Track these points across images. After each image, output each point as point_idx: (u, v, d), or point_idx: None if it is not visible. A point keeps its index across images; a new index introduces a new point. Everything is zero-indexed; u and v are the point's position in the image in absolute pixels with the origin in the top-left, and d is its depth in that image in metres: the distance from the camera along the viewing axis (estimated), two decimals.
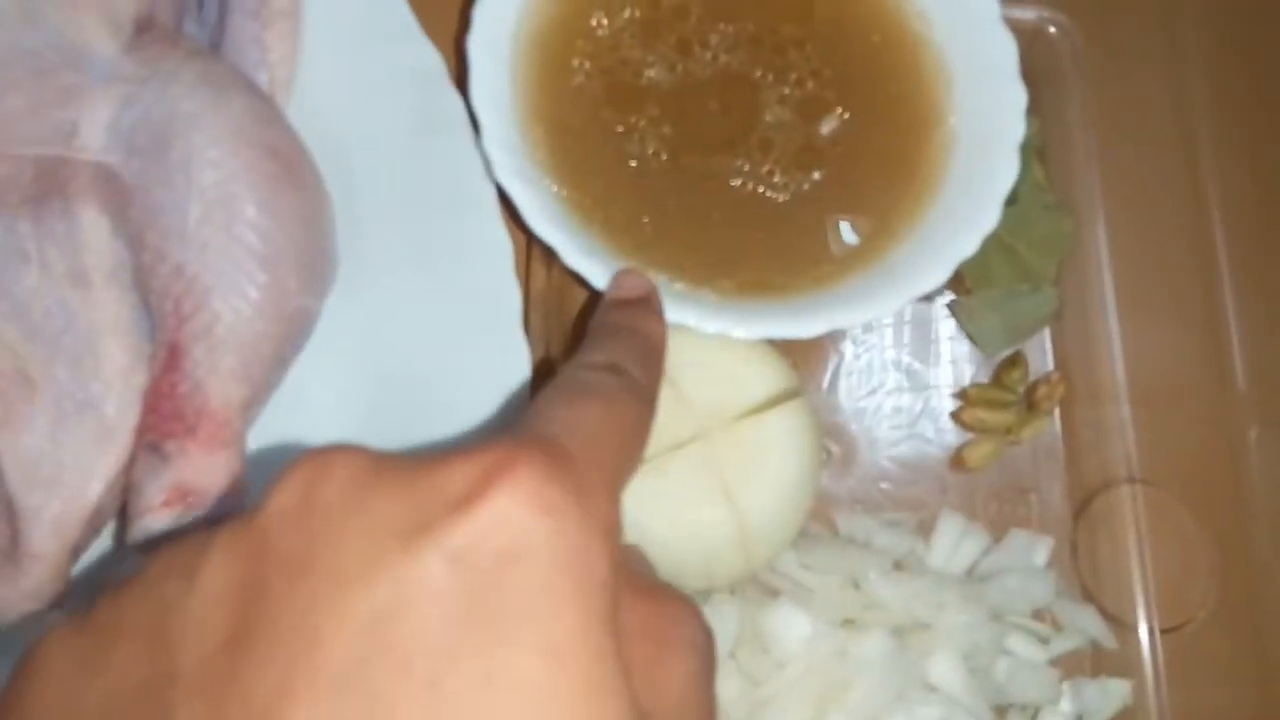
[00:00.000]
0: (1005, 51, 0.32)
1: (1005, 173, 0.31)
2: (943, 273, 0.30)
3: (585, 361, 0.24)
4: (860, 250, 0.31)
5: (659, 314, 0.29)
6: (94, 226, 0.27)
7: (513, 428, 0.20)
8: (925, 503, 0.36)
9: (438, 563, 0.17)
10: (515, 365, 0.32)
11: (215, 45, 0.33)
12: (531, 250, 0.33)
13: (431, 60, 0.35)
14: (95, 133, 0.27)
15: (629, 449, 0.22)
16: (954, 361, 0.37)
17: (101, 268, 0.27)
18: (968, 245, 0.30)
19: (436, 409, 0.32)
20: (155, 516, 0.25)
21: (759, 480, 0.30)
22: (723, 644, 0.31)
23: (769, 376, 0.31)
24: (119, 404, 0.27)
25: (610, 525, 0.19)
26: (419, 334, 0.33)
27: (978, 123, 0.32)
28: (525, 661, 0.16)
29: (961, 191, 0.31)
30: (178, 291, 0.26)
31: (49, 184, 0.26)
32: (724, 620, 0.31)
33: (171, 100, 0.27)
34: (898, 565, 0.34)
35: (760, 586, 0.33)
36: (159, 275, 0.27)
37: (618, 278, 0.30)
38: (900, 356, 0.37)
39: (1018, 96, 0.32)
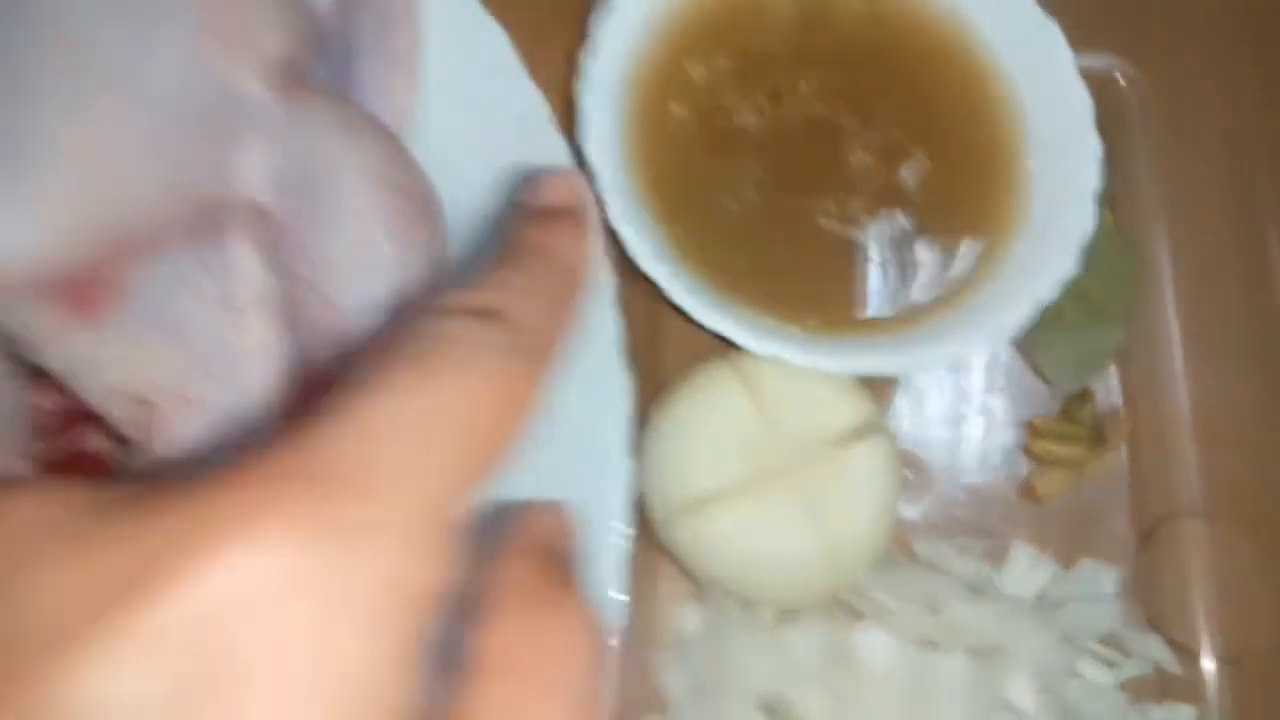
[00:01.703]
0: (1081, 103, 0.34)
1: (1083, 221, 0.32)
2: (1022, 316, 0.32)
3: (454, 303, 0.19)
4: (942, 291, 0.33)
5: (586, 233, 0.23)
6: (245, 258, 0.29)
7: (294, 430, 0.16)
8: (996, 529, 0.37)
9: (151, 633, 0.13)
10: (616, 394, 0.34)
11: (341, 86, 0.36)
12: (630, 288, 0.35)
13: (536, 104, 0.38)
14: (250, 173, 0.29)
15: (486, 440, 0.17)
16: (1023, 394, 0.39)
17: (251, 296, 0.29)
18: (1047, 291, 0.32)
19: (540, 442, 0.34)
20: None
21: (848, 507, 0.32)
22: (810, 662, 0.33)
23: (855, 409, 0.33)
24: (262, 417, 0.29)
25: (394, 592, 0.15)
26: None
27: (1055, 171, 0.34)
28: None
29: (1040, 237, 0.33)
30: (327, 321, 0.29)
31: (206, 219, 0.29)
32: (812, 639, 0.33)
33: (319, 144, 0.29)
34: (971, 590, 0.35)
35: (844, 607, 0.34)
36: (310, 305, 0.29)
37: (539, 180, 0.24)
38: (970, 388, 0.39)
39: (1093, 147, 0.33)
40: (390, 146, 0.31)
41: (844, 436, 0.32)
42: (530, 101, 0.38)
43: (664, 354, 0.36)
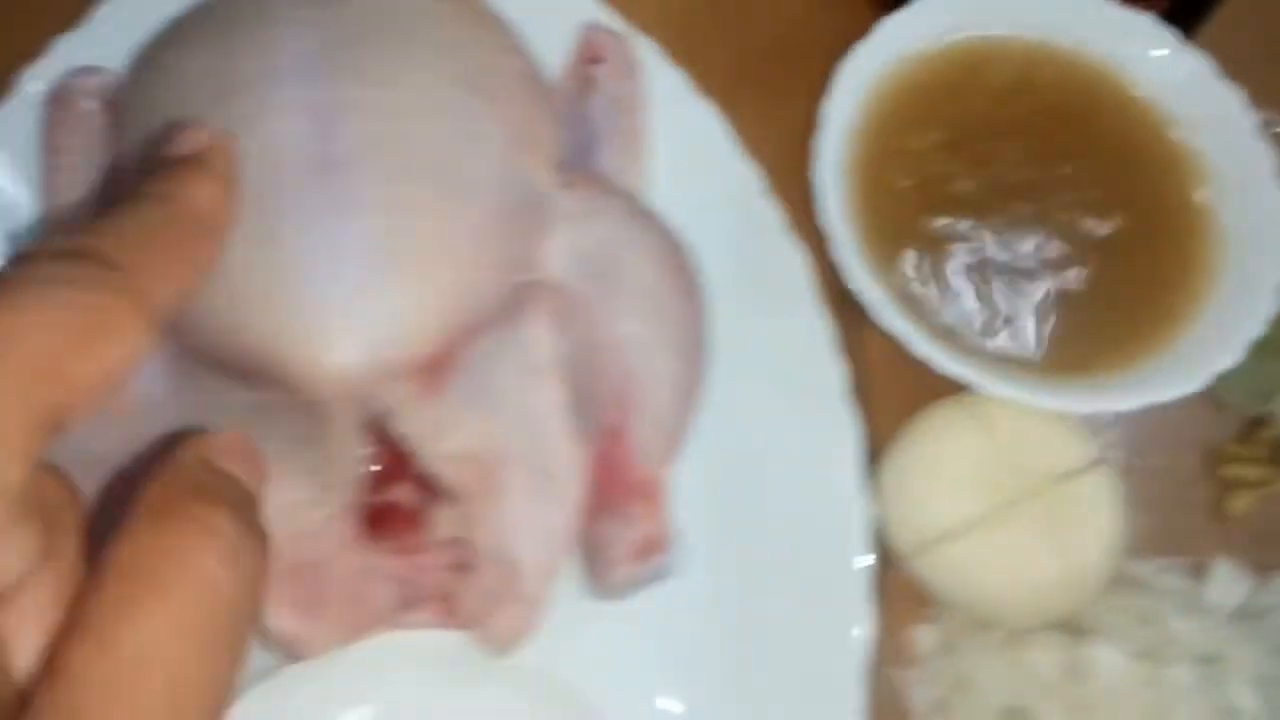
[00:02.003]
0: (1263, 159, 0.37)
1: (1276, 267, 0.36)
2: (1231, 356, 0.35)
3: (46, 249, 0.20)
4: (1152, 336, 0.37)
5: (211, 176, 0.23)
6: (539, 331, 0.33)
7: None
8: (1195, 546, 0.40)
9: None
10: (846, 435, 0.38)
11: (581, 164, 0.39)
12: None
13: (749, 177, 0.41)
14: (555, 259, 0.33)
15: (48, 362, 0.17)
16: (1202, 420, 0.42)
17: (545, 363, 0.33)
18: (1251, 329, 0.35)
19: (776, 482, 0.38)
20: (628, 569, 0.31)
21: (1082, 536, 0.35)
22: (1047, 677, 0.36)
23: (1080, 444, 0.36)
24: (566, 470, 0.33)
25: None
26: (753, 413, 0.38)
27: (1245, 222, 0.37)
28: None
29: (1238, 284, 0.36)
30: (624, 385, 0.33)
31: (517, 299, 0.33)
32: (1047, 655, 0.36)
33: (612, 231, 0.33)
34: (1182, 604, 0.38)
35: (1070, 625, 0.37)
36: (609, 372, 0.33)
37: (173, 130, 0.25)
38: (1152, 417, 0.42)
39: (1277, 197, 0.37)
40: (666, 229, 0.35)
41: (1072, 470, 0.36)
42: (743, 175, 0.42)
43: (880, 400, 0.39)
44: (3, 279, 0.18)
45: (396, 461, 0.34)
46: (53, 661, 0.17)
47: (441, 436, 0.31)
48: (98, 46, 0.39)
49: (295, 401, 0.29)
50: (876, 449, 0.38)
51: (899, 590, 0.38)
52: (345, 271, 0.28)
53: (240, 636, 0.18)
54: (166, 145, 0.24)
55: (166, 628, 0.17)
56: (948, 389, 0.40)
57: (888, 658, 0.37)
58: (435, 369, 0.31)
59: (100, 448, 0.31)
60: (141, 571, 0.17)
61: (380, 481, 0.35)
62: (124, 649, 0.17)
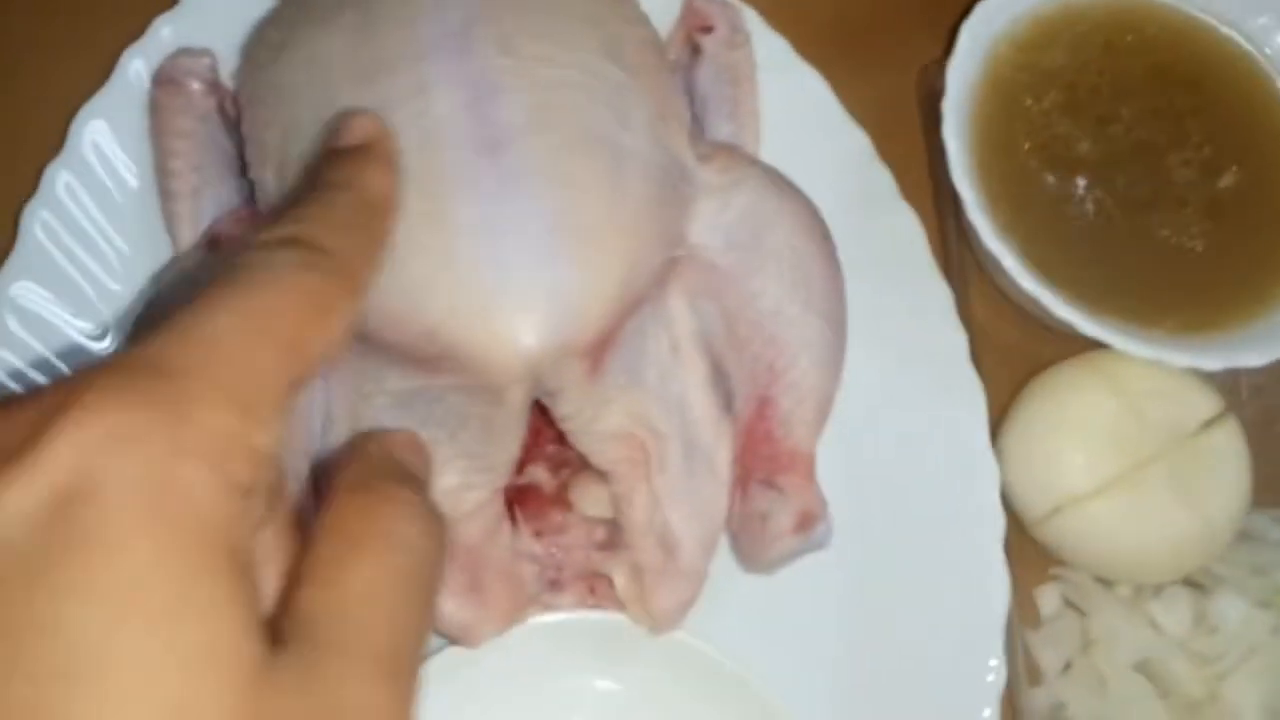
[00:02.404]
0: None
1: None
2: None
3: (262, 238, 0.21)
4: (1271, 292, 0.37)
5: (383, 162, 0.24)
6: (679, 306, 0.33)
7: (134, 342, 0.19)
8: None
9: (20, 484, 0.16)
10: (971, 401, 0.38)
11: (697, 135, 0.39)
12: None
13: (860, 140, 0.41)
14: (701, 231, 0.32)
15: (293, 333, 0.19)
16: None
17: (687, 337, 0.33)
18: None
19: (903, 454, 0.38)
20: (789, 541, 0.31)
21: (1215, 489, 0.35)
22: (1175, 630, 0.37)
23: (1207, 399, 0.36)
24: (714, 444, 0.33)
25: (223, 437, 0.17)
26: (877, 382, 0.37)
27: None
28: (85, 611, 0.15)
29: None
30: (770, 356, 0.32)
31: (661, 275, 0.32)
32: (1180, 610, 0.36)
33: (758, 202, 0.33)
34: None
35: (1187, 580, 0.38)
36: (755, 343, 0.32)
37: (342, 121, 0.25)
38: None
39: None
40: (803, 197, 0.35)
41: (1201, 425, 0.36)
42: (852, 140, 0.42)
43: (999, 363, 0.40)
44: (241, 264, 0.20)
45: (531, 443, 0.34)
46: (285, 604, 0.19)
47: (599, 416, 0.31)
48: (195, 27, 0.38)
49: (464, 384, 0.29)
50: (991, 415, 0.38)
51: (1021, 553, 0.39)
52: (520, 251, 0.28)
53: (431, 600, 0.20)
54: (336, 137, 0.25)
55: (382, 574, 0.19)
56: (1057, 353, 0.40)
57: (1014, 620, 0.38)
58: (601, 348, 0.30)
59: None
60: (352, 532, 0.20)
61: (521, 465, 0.35)
62: (350, 586, 0.19)
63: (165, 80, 0.36)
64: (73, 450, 0.16)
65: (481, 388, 0.29)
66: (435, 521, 0.20)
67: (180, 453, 0.16)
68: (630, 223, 0.30)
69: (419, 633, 0.19)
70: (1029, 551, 0.39)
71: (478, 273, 0.28)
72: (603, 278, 0.29)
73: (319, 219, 0.22)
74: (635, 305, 0.31)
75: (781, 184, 0.34)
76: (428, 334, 0.28)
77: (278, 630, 0.18)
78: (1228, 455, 0.36)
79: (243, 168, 0.33)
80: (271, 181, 0.31)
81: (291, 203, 0.22)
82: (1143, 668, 0.37)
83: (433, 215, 0.28)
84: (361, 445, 0.23)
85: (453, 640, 0.31)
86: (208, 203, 0.34)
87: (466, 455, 0.30)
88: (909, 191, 0.40)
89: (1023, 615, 0.38)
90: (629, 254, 0.30)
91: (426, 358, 0.29)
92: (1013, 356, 0.41)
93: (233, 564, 0.17)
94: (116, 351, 0.20)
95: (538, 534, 0.35)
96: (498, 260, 0.28)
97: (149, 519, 0.16)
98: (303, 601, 0.18)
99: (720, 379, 0.34)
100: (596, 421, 0.31)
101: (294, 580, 0.19)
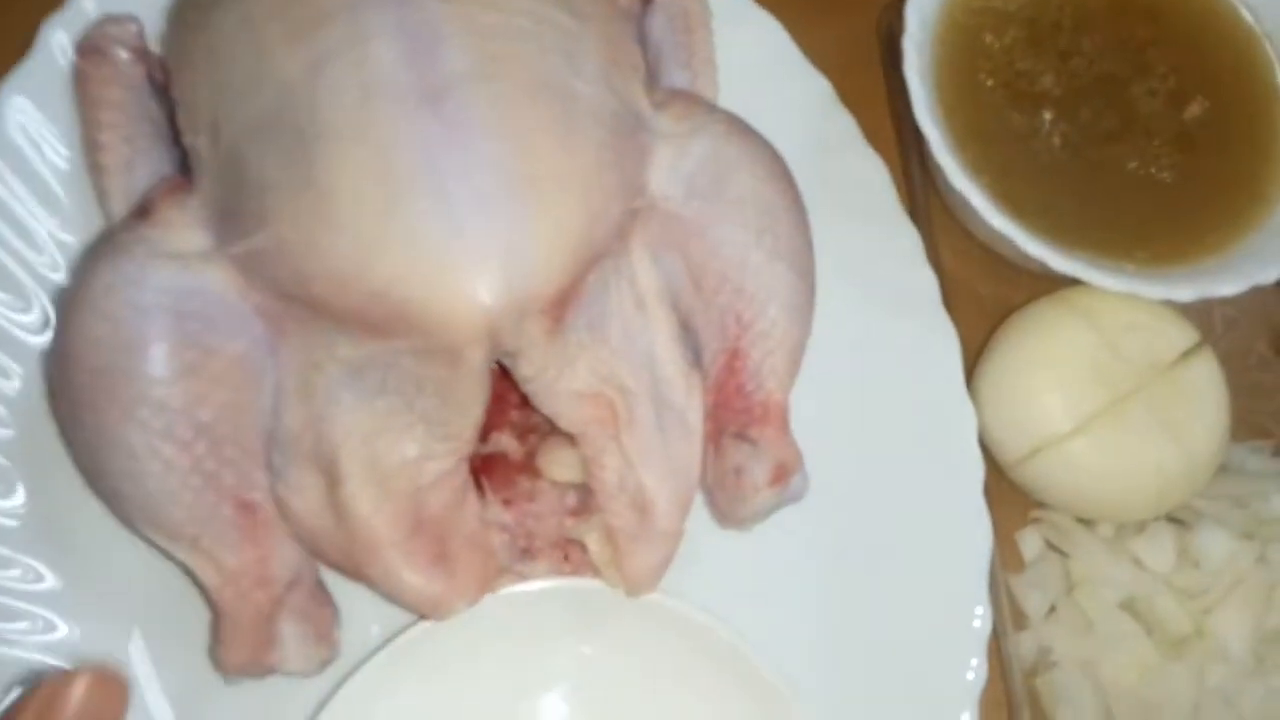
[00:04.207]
0: None
1: None
2: None
3: None
4: (1243, 220, 0.36)
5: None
6: (641, 259, 0.32)
7: None
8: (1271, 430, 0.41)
9: None
10: (943, 344, 0.37)
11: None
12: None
13: (821, 86, 0.40)
14: (661, 181, 0.31)
15: None
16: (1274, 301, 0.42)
17: (652, 291, 0.32)
18: None
19: (875, 396, 0.37)
20: (765, 495, 0.30)
21: (1198, 420, 0.35)
22: (1159, 566, 0.36)
23: (1184, 331, 0.36)
24: (685, 400, 0.31)
25: None
26: (847, 328, 0.37)
27: None
28: None
29: None
30: (739, 307, 0.31)
31: (622, 227, 0.31)
32: (1164, 547, 0.36)
33: (718, 148, 0.32)
34: (1274, 483, 0.39)
35: (1170, 516, 0.38)
36: (721, 294, 0.31)
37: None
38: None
39: None
40: (764, 142, 0.33)
41: (1178, 357, 0.36)
42: (812, 85, 0.40)
43: (969, 310, 0.39)
44: None
45: (494, 410, 0.33)
46: None
47: (563, 376, 0.30)
48: None
49: (419, 348, 0.28)
50: (965, 361, 0.38)
51: (1000, 497, 0.38)
52: (471, 204, 0.27)
53: None
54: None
55: None
56: (1027, 297, 0.39)
57: (996, 565, 0.37)
58: (561, 304, 0.29)
59: (204, 416, 0.29)
60: None
61: (485, 433, 0.34)
62: None
63: (90, 50, 0.34)
64: None
65: (437, 350, 0.28)
66: None
67: None
68: (586, 171, 0.29)
69: None
70: (1008, 495, 0.38)
71: (427, 228, 0.27)
72: (560, 229, 0.28)
73: None
74: (596, 259, 0.30)
75: (742, 129, 0.33)
76: (377, 295, 0.27)
77: None
78: (1206, 386, 0.35)
79: (174, 135, 0.32)
80: (205, 147, 0.30)
81: None
82: (1128, 606, 0.37)
83: (376, 170, 0.27)
84: (41, 690, 0.23)
85: (422, 615, 0.30)
86: (140, 174, 0.32)
87: (425, 422, 0.29)
88: (871, 136, 0.40)
89: (1004, 560, 0.37)
90: (586, 204, 0.29)
91: (377, 321, 0.27)
92: (983, 302, 0.40)
93: None
94: None
95: (507, 503, 0.34)
96: (448, 214, 0.27)
97: None
98: None
99: (688, 335, 0.33)
100: (561, 381, 0.30)
101: None
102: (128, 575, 0.33)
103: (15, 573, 0.32)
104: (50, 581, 0.33)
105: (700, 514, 0.33)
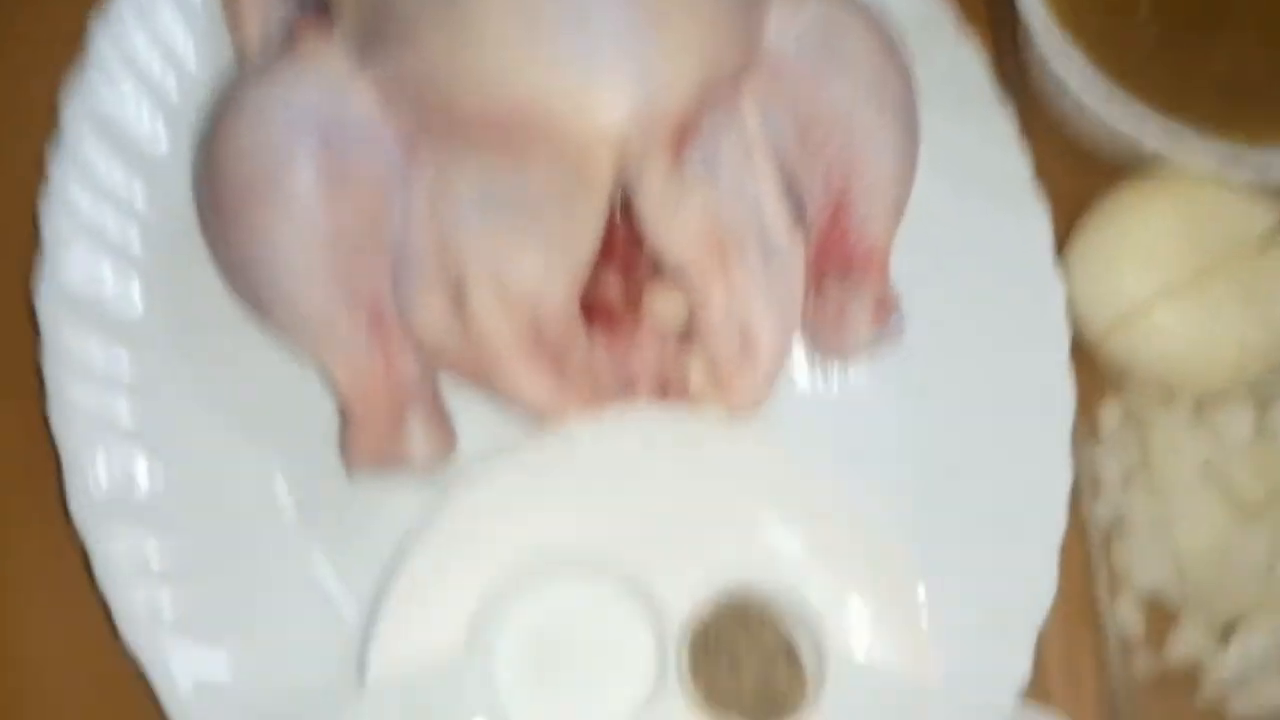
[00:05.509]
0: None
1: None
2: None
3: None
4: None
5: None
6: (751, 112, 0.34)
7: None
8: None
9: None
10: (1036, 221, 0.38)
11: None
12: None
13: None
14: (774, 36, 0.33)
15: None
16: None
17: (759, 144, 0.34)
18: None
19: (966, 272, 0.38)
20: (865, 329, 0.32)
21: None
22: (1238, 439, 0.37)
23: (1270, 211, 0.37)
24: (789, 248, 0.33)
25: None
26: (940, 207, 0.37)
27: None
28: None
29: None
30: (846, 159, 0.33)
31: (735, 76, 0.33)
32: (1242, 420, 0.37)
33: (831, 12, 0.34)
34: None
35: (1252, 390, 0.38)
36: (829, 147, 0.33)
37: None
38: None
39: None
40: (871, 7, 0.35)
41: (1264, 236, 0.36)
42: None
43: (1065, 179, 0.40)
44: None
45: (602, 253, 0.35)
46: None
47: (679, 209, 0.31)
48: None
49: (549, 166, 0.30)
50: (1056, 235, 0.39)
51: (1081, 369, 0.39)
52: (611, 29, 0.29)
53: None
54: None
55: None
56: (1107, 186, 0.40)
57: (1077, 435, 0.38)
58: (682, 135, 0.31)
59: (345, 222, 0.31)
60: None
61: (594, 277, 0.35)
62: None
63: None
64: None
65: (568, 167, 0.30)
66: None
67: None
68: (714, 12, 0.31)
69: None
70: (1089, 368, 0.39)
71: (565, 46, 0.29)
72: (687, 54, 0.30)
73: None
74: (714, 100, 0.31)
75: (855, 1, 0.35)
76: (518, 109, 0.29)
77: None
78: None
79: None
80: None
81: None
82: (1204, 475, 0.38)
83: (523, 7, 0.29)
84: None
85: (539, 417, 0.32)
86: (277, 14, 0.34)
87: (548, 245, 0.31)
88: (974, 18, 0.41)
89: (1083, 430, 0.39)
90: (713, 41, 0.31)
91: (514, 137, 0.30)
92: (1063, 200, 0.41)
93: None
94: None
95: (609, 347, 0.36)
96: (584, 34, 0.29)
97: None
98: None
99: (791, 195, 0.35)
100: (677, 215, 0.32)
101: None
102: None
103: None
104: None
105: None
